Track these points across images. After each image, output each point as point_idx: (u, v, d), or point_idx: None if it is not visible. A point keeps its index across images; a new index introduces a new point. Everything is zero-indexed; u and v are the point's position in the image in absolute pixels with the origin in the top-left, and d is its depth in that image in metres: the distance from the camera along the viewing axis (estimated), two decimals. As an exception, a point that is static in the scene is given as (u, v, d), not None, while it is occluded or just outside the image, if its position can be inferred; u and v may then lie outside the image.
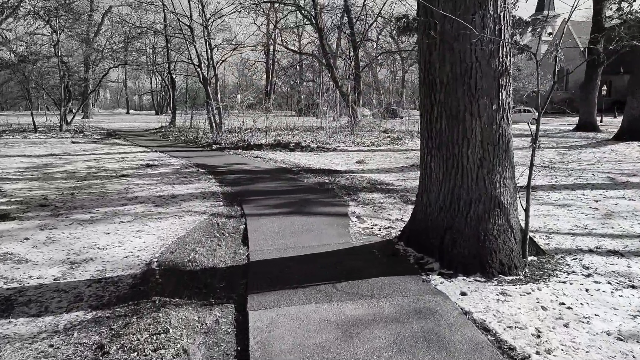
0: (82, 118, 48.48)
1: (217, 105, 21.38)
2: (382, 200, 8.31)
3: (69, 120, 29.58)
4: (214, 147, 18.19)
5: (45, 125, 28.58)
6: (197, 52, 21.65)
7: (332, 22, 33.33)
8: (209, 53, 21.98)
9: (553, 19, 67.17)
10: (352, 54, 33.70)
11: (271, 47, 67.38)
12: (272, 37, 47.28)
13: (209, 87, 21.76)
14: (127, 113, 69.87)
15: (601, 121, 28.25)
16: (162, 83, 33.05)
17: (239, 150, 17.11)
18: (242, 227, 6.59)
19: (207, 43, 21.73)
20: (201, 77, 22.05)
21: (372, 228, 6.41)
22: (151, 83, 71.41)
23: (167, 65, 29.41)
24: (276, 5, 34.20)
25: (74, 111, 33.60)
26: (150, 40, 32.01)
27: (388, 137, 21.50)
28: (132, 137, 24.38)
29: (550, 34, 67.37)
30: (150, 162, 13.87)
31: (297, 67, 61.43)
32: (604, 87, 32.70)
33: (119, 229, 6.48)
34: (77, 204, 8.20)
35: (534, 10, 67.46)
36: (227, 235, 6.24)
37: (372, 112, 42.95)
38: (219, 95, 21.85)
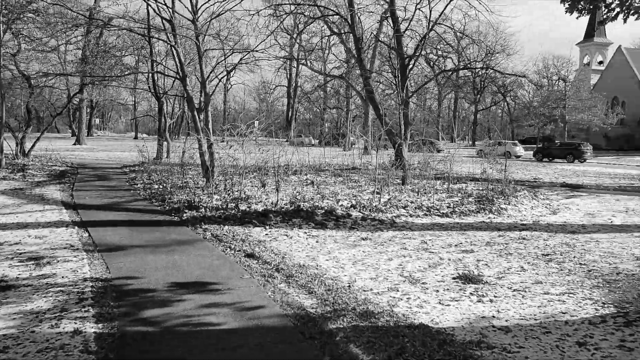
0: (74, 144, 42.10)
1: (207, 141, 14.01)
2: None
3: (27, 149, 22.60)
4: (186, 214, 10.52)
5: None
6: (179, 59, 14.31)
7: (371, 32, 25.93)
8: (200, 62, 14.74)
9: (604, 47, 59.29)
10: (394, 74, 26.23)
11: (293, 69, 60.73)
12: (295, 53, 40.46)
13: (195, 113, 14.34)
14: (135, 138, 63.41)
15: None
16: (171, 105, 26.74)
17: (226, 228, 9.42)
18: None
19: (197, 46, 14.49)
20: (186, 96, 14.72)
21: None
22: (166, 106, 64.59)
23: (151, 80, 22.16)
24: (296, 13, 26.59)
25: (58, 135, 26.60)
26: (138, 48, 24.78)
27: (467, 195, 13.75)
28: (88, 180, 16.98)
29: (600, 62, 59.29)
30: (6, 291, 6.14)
31: (322, 91, 54.43)
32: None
33: None
34: None
35: (582, 37, 59.38)
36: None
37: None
38: (210, 125, 14.47)
